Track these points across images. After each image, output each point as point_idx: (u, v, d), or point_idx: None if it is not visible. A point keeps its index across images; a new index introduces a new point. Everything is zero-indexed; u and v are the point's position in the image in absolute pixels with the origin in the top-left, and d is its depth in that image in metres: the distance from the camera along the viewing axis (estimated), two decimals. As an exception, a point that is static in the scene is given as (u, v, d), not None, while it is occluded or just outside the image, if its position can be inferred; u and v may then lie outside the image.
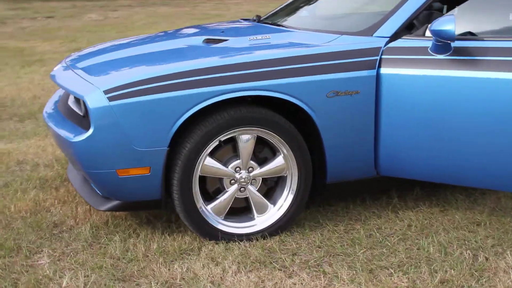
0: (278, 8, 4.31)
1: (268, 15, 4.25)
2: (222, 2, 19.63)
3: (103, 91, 2.95)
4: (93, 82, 3.09)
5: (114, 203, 3.15)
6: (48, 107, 3.73)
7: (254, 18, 4.25)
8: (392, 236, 3.28)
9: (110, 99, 2.92)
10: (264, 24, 3.99)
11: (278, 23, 3.89)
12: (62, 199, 3.80)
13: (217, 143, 3.09)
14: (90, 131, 2.95)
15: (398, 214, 3.54)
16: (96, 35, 11.65)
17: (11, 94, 6.75)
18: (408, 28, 3.39)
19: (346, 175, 3.35)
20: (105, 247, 3.19)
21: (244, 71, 3.05)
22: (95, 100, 2.95)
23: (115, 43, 4.01)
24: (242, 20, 4.29)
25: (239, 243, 3.19)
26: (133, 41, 3.98)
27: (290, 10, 4.17)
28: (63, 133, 3.17)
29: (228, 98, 3.02)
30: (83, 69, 3.37)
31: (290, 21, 3.90)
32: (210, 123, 3.03)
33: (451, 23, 2.97)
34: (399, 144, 3.26)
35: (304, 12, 4.06)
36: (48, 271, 2.95)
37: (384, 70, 3.20)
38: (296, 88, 3.08)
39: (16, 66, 8.55)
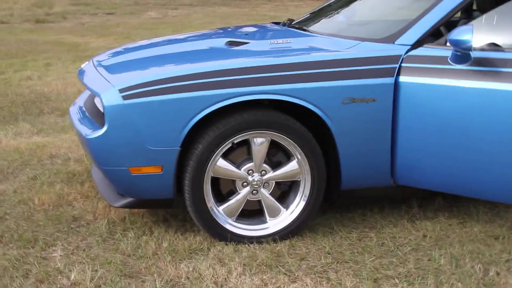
0: (310, 13, 4.31)
1: (299, 19, 4.25)
2: (282, 4, 19.67)
3: (118, 90, 3.02)
4: (110, 81, 3.16)
5: (128, 200, 3.21)
6: (76, 103, 3.84)
7: (285, 21, 4.26)
8: (405, 246, 3.24)
9: (125, 97, 2.99)
10: (290, 29, 3.99)
11: (304, 27, 3.88)
12: (86, 194, 3.89)
13: (230, 145, 3.11)
14: (104, 128, 3.02)
15: (415, 224, 3.49)
16: (151, 33, 11.86)
17: (57, 88, 6.95)
18: (435, 36, 3.34)
19: (362, 183, 3.33)
20: (118, 243, 3.26)
21: (258, 75, 3.07)
22: (110, 98, 3.02)
23: (143, 42, 4.09)
24: (272, 24, 4.30)
25: (248, 245, 3.22)
26: (161, 41, 4.05)
27: (320, 15, 4.16)
28: (82, 129, 3.26)
29: (241, 101, 3.03)
30: (105, 67, 3.45)
31: (317, 26, 3.89)
32: (223, 125, 3.06)
33: (469, 33, 2.92)
34: (416, 154, 3.22)
35: (332, 17, 4.04)
36: (59, 264, 3.03)
37: (403, 78, 3.16)
38: (311, 93, 3.08)
39: (67, 61, 8.80)
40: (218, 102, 3.02)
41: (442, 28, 3.53)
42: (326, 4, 4.34)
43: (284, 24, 4.19)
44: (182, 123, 3.00)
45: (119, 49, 4.01)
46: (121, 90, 3.01)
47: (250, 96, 3.04)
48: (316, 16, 4.15)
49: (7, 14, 14.92)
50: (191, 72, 3.06)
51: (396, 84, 3.15)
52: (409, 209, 3.68)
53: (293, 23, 4.15)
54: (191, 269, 2.99)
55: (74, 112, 3.63)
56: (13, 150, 4.75)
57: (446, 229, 3.43)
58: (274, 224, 3.28)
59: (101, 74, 3.32)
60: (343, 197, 3.39)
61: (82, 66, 3.78)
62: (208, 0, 20.50)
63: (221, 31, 4.23)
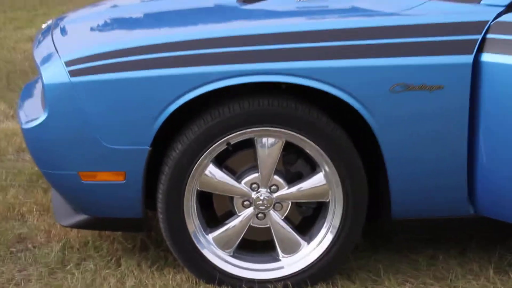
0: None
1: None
2: None
3: (65, 62, 3.03)
4: (58, 49, 3.19)
5: (81, 217, 3.24)
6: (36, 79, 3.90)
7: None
8: (478, 310, 3.10)
9: (73, 73, 2.99)
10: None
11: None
12: (45, 205, 3.97)
13: (223, 146, 3.07)
14: (44, 115, 3.04)
15: (507, 277, 3.34)
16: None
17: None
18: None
19: (422, 211, 3.23)
20: (67, 278, 3.29)
21: (268, 46, 2.99)
22: (52, 73, 3.04)
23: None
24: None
25: (248, 292, 3.16)
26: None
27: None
28: (21, 114, 3.32)
29: (240, 83, 2.98)
30: (62, 29, 3.48)
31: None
32: (212, 118, 3.02)
33: None
34: (508, 171, 3.06)
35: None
36: (-25, 304, 3.09)
37: (487, 57, 3.01)
38: (344, 76, 2.98)
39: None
40: (206, 84, 2.97)
41: None
42: None
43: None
44: (153, 112, 2.98)
45: (104, 4, 4.04)
46: (68, 63, 3.02)
47: (254, 77, 2.98)
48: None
49: None
50: (169, 41, 3.03)
51: (477, 64, 3.01)
52: (505, 253, 3.52)
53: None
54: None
55: (24, 90, 3.69)
56: (-28, 138, 4.90)
57: (550, 289, 3.25)
58: (290, 263, 3.23)
59: (53, 39, 3.35)
60: (397, 229, 3.32)
61: (43, 26, 3.83)
62: None
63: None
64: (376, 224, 3.32)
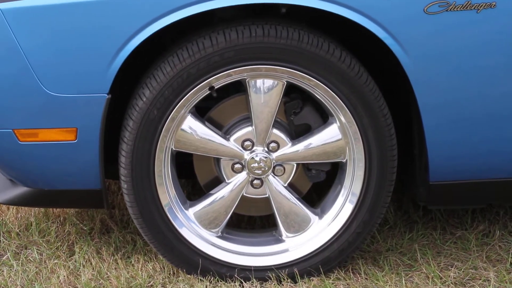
0: None
1: None
2: None
3: (-12, -21, 2.96)
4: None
5: (20, 191, 3.20)
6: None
7: None
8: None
9: (0, -4, 2.92)
10: None
11: None
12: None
13: (205, 92, 3.01)
14: (-37, 54, 2.98)
15: None
16: None
17: None
18: None
19: (469, 172, 3.17)
20: (2, 272, 3.26)
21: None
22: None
23: None
24: None
25: (241, 284, 3.13)
26: None
27: None
28: None
29: (222, 7, 2.87)
30: None
31: None
32: (190, 54, 2.95)
33: None
34: None
35: None
36: None
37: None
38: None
39: None
40: (180, 8, 2.88)
41: None
42: None
43: None
44: (111, 48, 2.92)
45: None
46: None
47: (242, -1, 2.91)
48: None
49: None
50: None
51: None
52: None
53: None
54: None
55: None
56: None
57: None
58: (296, 245, 3.21)
59: None
60: (438, 197, 3.23)
61: None
62: None
63: None
64: (411, 192, 3.29)
